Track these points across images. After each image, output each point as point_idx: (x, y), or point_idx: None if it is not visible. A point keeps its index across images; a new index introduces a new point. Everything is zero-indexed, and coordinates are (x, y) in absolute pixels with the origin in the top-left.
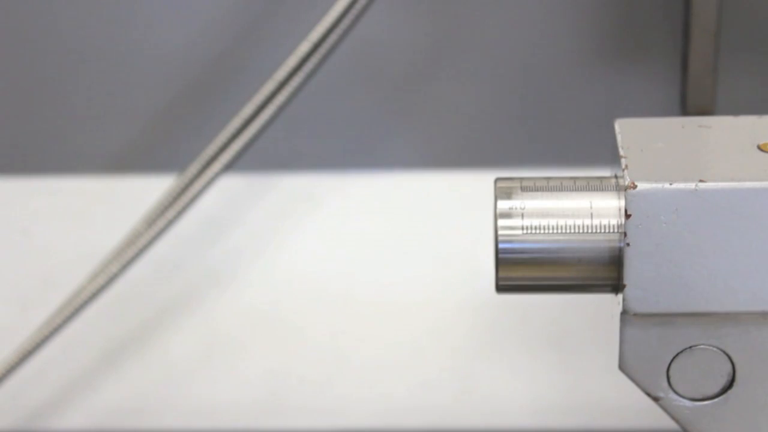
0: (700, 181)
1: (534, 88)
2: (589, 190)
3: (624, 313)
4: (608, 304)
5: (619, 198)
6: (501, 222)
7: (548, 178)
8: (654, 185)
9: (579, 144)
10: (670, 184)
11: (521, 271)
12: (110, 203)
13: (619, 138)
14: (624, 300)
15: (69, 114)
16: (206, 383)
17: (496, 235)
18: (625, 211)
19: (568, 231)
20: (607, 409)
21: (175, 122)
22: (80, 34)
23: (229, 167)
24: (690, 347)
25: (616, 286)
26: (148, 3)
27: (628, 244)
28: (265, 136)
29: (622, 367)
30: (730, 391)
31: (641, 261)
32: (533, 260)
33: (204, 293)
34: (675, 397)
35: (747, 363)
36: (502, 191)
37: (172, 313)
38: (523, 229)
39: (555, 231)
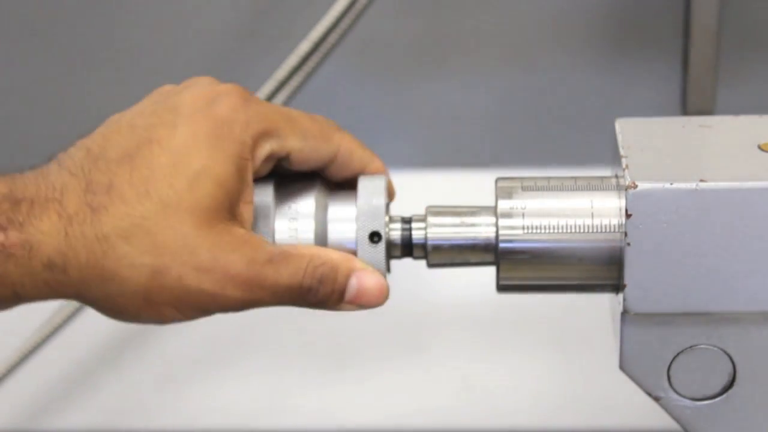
0: (701, 180)
1: (534, 88)
2: (589, 189)
3: (624, 312)
4: (608, 304)
5: (619, 198)
6: (502, 222)
7: (549, 178)
8: (654, 185)
9: (579, 144)
10: (671, 183)
11: (522, 270)
12: None
13: (619, 138)
14: (624, 300)
15: (70, 114)
16: (206, 383)
17: (497, 235)
18: (626, 210)
19: (568, 231)
20: (607, 409)
21: None
22: (80, 35)
23: None
24: (690, 347)
25: (617, 286)
26: (148, 4)
27: (628, 244)
28: None
29: (622, 366)
30: (730, 391)
31: (642, 261)
32: (534, 260)
33: None
34: (675, 396)
35: (747, 363)
36: (503, 191)
37: None
38: (523, 228)
39: (556, 231)
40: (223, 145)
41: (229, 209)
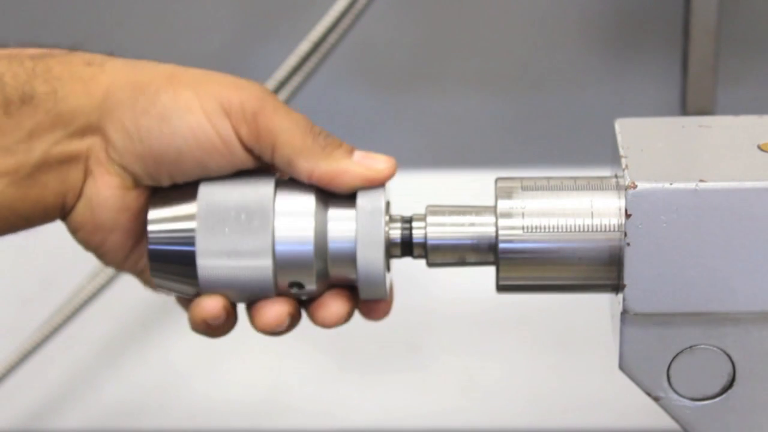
0: (700, 181)
1: (534, 88)
2: (589, 189)
3: (624, 313)
4: (608, 304)
5: (619, 198)
6: (502, 222)
7: (549, 178)
8: (654, 185)
9: (579, 144)
10: (670, 184)
11: (522, 270)
12: None
13: (619, 138)
14: (624, 300)
15: None
16: (206, 383)
17: (497, 235)
18: (626, 210)
19: (568, 230)
20: (607, 409)
21: None
22: (79, 34)
23: None
24: (690, 347)
25: (616, 286)
26: (148, 3)
27: (628, 244)
28: None
29: (622, 367)
30: (730, 391)
31: (641, 261)
32: (534, 260)
33: None
34: (675, 396)
35: (747, 363)
36: (503, 191)
37: (172, 313)
38: (523, 228)
39: (555, 230)
40: (242, 83)
41: None
